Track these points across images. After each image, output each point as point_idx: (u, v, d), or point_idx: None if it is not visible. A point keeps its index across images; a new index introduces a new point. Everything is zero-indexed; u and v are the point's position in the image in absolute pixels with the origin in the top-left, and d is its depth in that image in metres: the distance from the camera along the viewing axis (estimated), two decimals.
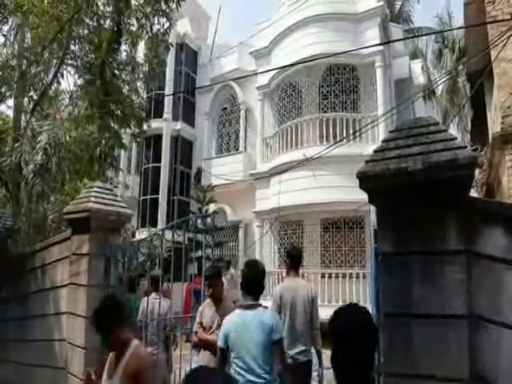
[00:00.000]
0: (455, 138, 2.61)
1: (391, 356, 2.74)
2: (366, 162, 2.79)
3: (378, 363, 3.01)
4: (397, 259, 2.72)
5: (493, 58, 7.97)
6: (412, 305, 2.64)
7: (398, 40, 14.08)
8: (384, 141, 2.87)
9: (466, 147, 2.55)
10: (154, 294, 6.05)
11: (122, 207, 5.59)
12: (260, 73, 11.43)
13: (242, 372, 3.53)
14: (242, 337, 3.57)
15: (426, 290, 2.60)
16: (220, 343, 3.67)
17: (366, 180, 2.76)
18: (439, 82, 14.09)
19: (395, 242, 2.73)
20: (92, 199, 5.32)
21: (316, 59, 10.91)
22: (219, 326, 4.31)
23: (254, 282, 3.88)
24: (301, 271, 6.04)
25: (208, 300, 4.98)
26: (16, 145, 9.02)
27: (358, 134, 11.95)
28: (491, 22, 7.63)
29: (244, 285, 3.90)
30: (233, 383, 1.88)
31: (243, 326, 3.61)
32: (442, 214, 2.59)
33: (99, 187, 5.68)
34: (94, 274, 5.21)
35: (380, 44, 11.95)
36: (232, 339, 3.61)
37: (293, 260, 5.31)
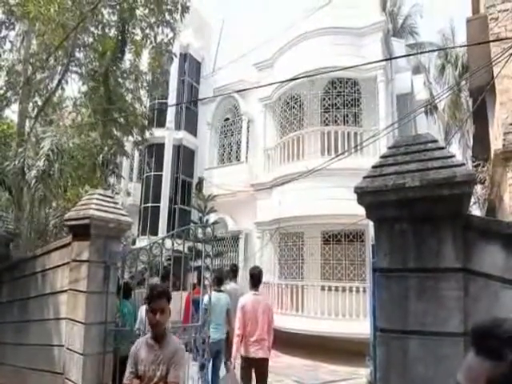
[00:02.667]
0: (453, 156, 2.64)
1: (387, 372, 2.75)
2: (364, 177, 2.82)
3: (375, 378, 3.02)
4: (393, 275, 2.74)
5: (495, 75, 7.99)
6: (408, 321, 2.65)
7: (400, 57, 14.15)
8: (382, 157, 2.90)
9: (463, 165, 2.58)
10: None
11: (122, 215, 5.62)
12: (263, 86, 11.50)
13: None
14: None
15: (422, 306, 2.61)
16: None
17: (363, 195, 2.79)
18: (441, 98, 14.12)
19: (392, 258, 2.75)
20: (93, 206, 5.36)
21: (319, 74, 10.98)
22: (165, 376, 3.38)
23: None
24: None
25: (147, 336, 3.65)
26: (20, 150, 9.09)
27: (359, 147, 11.98)
28: (494, 41, 7.67)
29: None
30: None
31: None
32: (439, 231, 2.61)
33: (100, 194, 5.72)
34: (94, 281, 5.24)
35: (382, 60, 12.03)
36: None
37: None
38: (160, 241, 5.79)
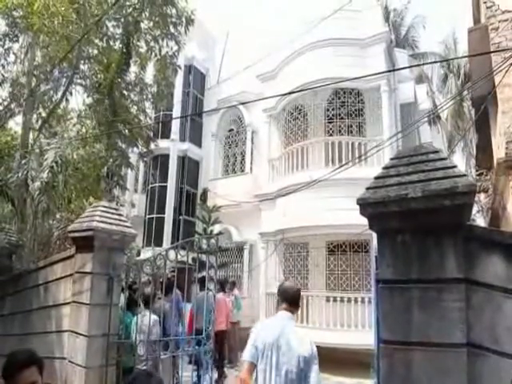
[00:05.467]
0: (455, 166, 2.63)
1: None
2: (367, 188, 2.82)
3: None
4: (396, 286, 2.72)
5: (497, 84, 7.99)
6: (411, 332, 2.64)
7: (404, 68, 14.16)
8: (385, 168, 2.90)
9: (465, 175, 2.57)
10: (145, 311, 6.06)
11: (126, 227, 5.62)
12: (268, 97, 11.60)
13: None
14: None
15: (425, 317, 2.60)
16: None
17: (366, 206, 2.78)
18: (444, 108, 14.14)
19: (395, 269, 2.73)
20: (96, 218, 5.36)
21: (325, 85, 11.01)
22: None
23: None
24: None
25: None
26: (23, 161, 9.11)
27: (363, 157, 11.96)
28: (494, 52, 7.68)
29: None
30: None
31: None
32: (441, 242, 2.60)
33: (104, 206, 5.73)
34: (97, 293, 5.23)
35: (386, 72, 12.07)
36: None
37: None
38: (164, 252, 5.79)
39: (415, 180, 2.64)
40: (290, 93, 12.30)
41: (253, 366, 3.44)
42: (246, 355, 3.48)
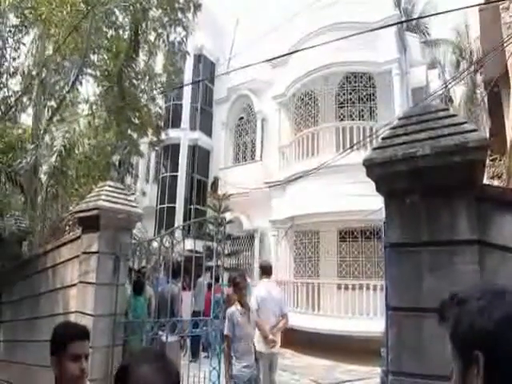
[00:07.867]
0: (465, 122, 2.51)
1: (400, 354, 2.63)
2: (374, 148, 2.71)
3: (387, 361, 2.90)
4: (405, 250, 2.61)
5: (509, 66, 7.84)
6: (421, 298, 2.53)
7: (412, 19, 13.99)
8: (392, 128, 2.78)
9: (475, 130, 2.44)
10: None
11: (132, 206, 5.55)
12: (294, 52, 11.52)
13: None
14: None
15: (436, 282, 2.48)
16: None
17: (373, 167, 2.68)
18: (453, 84, 13.93)
19: (403, 232, 2.63)
20: (102, 197, 5.29)
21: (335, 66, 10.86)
22: None
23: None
24: None
25: None
26: (31, 146, 9.08)
27: (374, 141, 11.79)
28: (489, 3, 7.55)
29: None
30: None
31: None
32: (452, 202, 2.48)
33: (110, 186, 5.66)
34: (103, 272, 5.16)
35: (398, 23, 11.88)
36: None
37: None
38: (174, 236, 5.73)
39: (424, 138, 2.51)
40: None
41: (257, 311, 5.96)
42: (254, 306, 5.92)
